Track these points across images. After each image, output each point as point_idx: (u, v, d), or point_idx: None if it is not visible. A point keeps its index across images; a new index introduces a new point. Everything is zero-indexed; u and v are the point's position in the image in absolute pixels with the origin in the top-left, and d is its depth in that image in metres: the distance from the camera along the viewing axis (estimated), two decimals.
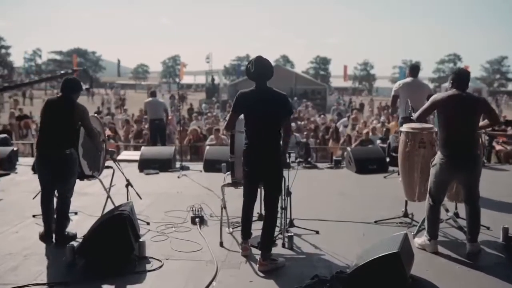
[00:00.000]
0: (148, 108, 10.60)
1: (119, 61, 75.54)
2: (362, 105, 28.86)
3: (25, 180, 6.99)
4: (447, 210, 4.67)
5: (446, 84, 4.17)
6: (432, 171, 4.06)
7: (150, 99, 10.71)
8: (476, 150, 3.95)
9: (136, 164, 7.94)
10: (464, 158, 3.90)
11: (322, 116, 18.40)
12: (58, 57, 70.20)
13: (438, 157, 4.00)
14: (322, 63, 75.22)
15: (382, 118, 17.28)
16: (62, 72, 4.99)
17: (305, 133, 11.97)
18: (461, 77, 4.02)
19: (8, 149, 8.25)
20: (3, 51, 59.94)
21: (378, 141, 10.86)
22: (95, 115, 5.14)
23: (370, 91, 65.61)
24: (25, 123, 13.69)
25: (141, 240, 4.01)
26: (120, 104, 29.80)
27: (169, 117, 11.59)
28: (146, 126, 11.69)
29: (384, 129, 12.19)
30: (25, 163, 8.23)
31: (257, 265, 3.73)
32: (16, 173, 7.64)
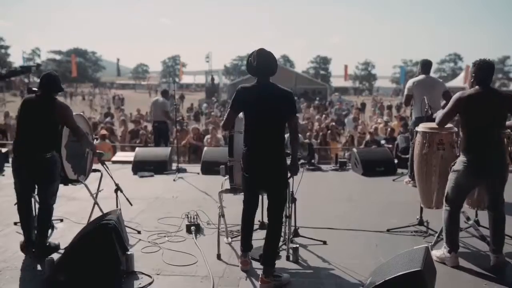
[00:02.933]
0: (152, 108, 9.84)
1: (118, 60, 75.06)
2: (363, 105, 28.47)
3: (10, 183, 6.54)
4: (468, 218, 4.24)
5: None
6: (452, 176, 3.64)
7: (156, 98, 9.80)
8: (503, 152, 3.55)
9: (131, 166, 7.56)
10: (490, 162, 3.49)
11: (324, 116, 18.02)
12: (57, 57, 69.71)
13: (461, 161, 3.58)
14: (323, 62, 74.81)
15: (385, 118, 16.93)
16: (21, 68, 4.58)
17: (308, 133, 11.56)
18: (484, 70, 3.53)
19: None
20: (3, 51, 59.52)
21: (383, 141, 10.52)
22: (81, 113, 4.71)
23: (370, 90, 65.23)
24: None
25: (129, 252, 3.60)
26: (120, 104, 29.53)
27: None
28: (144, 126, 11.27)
29: (389, 129, 11.81)
30: None
31: (259, 282, 3.32)
32: (3, 175, 7.23)
